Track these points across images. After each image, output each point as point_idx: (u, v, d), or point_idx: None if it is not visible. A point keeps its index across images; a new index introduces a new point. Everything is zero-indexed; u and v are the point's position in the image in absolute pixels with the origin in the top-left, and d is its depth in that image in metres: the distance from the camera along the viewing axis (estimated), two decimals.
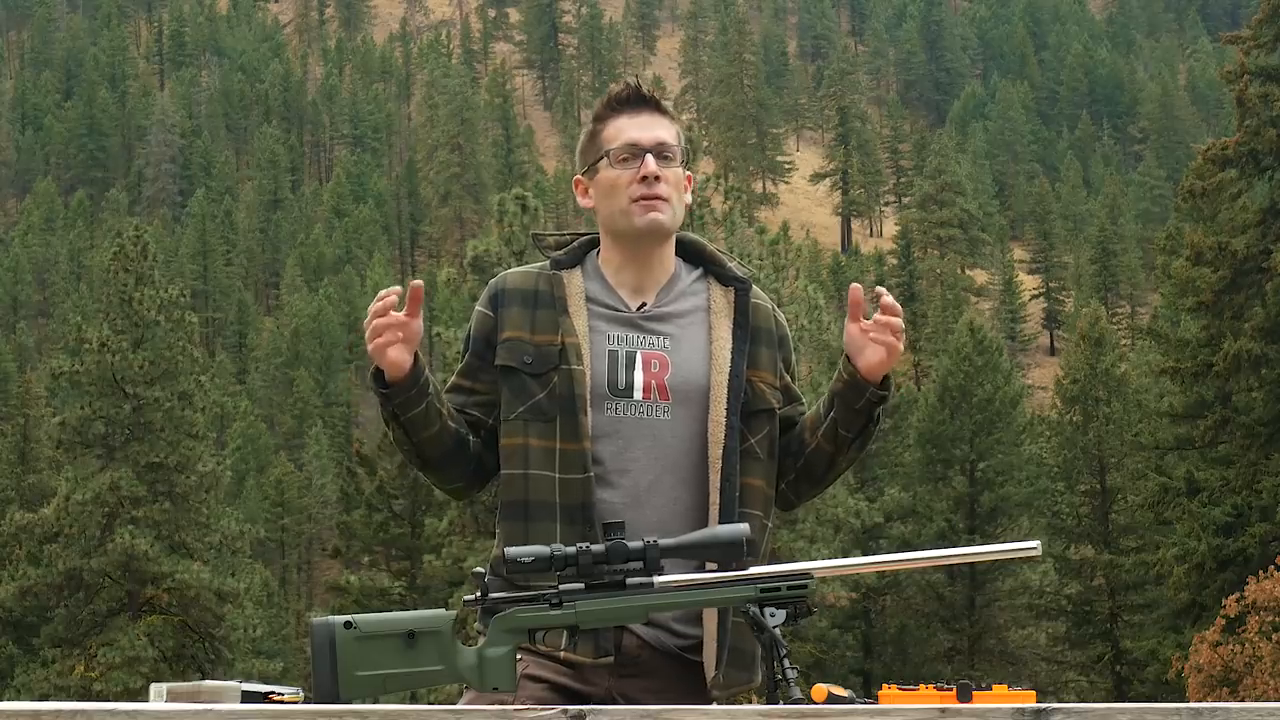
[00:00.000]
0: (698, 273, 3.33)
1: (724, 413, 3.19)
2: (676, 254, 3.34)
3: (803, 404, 3.39)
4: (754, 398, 3.24)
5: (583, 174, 3.33)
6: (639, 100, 3.30)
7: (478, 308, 3.33)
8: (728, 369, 3.22)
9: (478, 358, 3.31)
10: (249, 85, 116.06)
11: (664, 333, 3.25)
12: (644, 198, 3.23)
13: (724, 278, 3.32)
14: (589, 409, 3.17)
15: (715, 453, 3.18)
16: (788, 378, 3.36)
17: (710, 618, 3.17)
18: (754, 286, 3.35)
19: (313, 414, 75.30)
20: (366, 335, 3.16)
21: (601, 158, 3.29)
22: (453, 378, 3.35)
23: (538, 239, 3.38)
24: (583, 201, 3.34)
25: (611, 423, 3.18)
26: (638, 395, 3.19)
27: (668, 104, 3.35)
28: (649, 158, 3.24)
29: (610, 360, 3.21)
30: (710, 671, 3.16)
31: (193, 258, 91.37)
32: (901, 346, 3.17)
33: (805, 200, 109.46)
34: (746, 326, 3.27)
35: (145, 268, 38.61)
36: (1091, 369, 44.79)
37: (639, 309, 3.27)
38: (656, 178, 3.23)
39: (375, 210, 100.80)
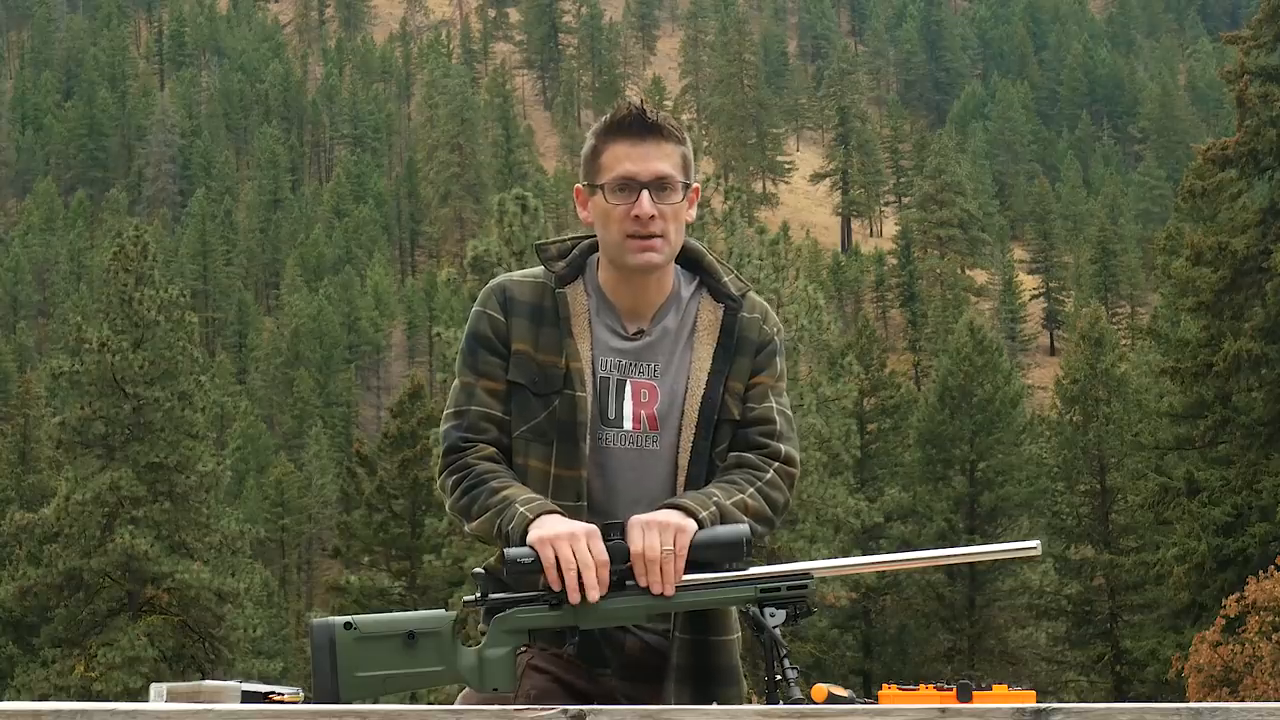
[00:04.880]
0: (694, 284, 3.24)
1: (691, 438, 3.12)
2: (676, 261, 3.23)
3: (767, 425, 3.18)
4: (721, 409, 3.15)
5: (583, 186, 3.21)
6: (641, 127, 3.12)
7: (484, 310, 3.19)
8: (701, 393, 3.13)
9: (500, 357, 3.17)
10: (249, 85, 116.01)
11: (655, 359, 3.17)
12: (637, 236, 3.11)
13: (717, 293, 3.22)
14: (588, 436, 3.11)
15: (680, 479, 3.11)
16: (760, 380, 3.20)
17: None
18: (750, 296, 3.24)
19: (313, 414, 75.27)
20: (563, 567, 2.91)
21: (599, 183, 3.16)
22: (482, 380, 3.18)
23: (541, 250, 3.26)
24: (582, 214, 3.23)
25: (601, 453, 3.13)
26: (628, 425, 3.13)
27: (674, 125, 3.15)
28: (644, 196, 3.09)
29: (601, 389, 3.14)
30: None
31: (193, 258, 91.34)
32: (671, 586, 2.92)
33: (805, 200, 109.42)
34: (731, 348, 3.17)
35: (145, 268, 38.57)
36: (1091, 369, 44.74)
37: (635, 334, 3.18)
38: (651, 217, 3.10)
39: (375, 210, 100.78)
